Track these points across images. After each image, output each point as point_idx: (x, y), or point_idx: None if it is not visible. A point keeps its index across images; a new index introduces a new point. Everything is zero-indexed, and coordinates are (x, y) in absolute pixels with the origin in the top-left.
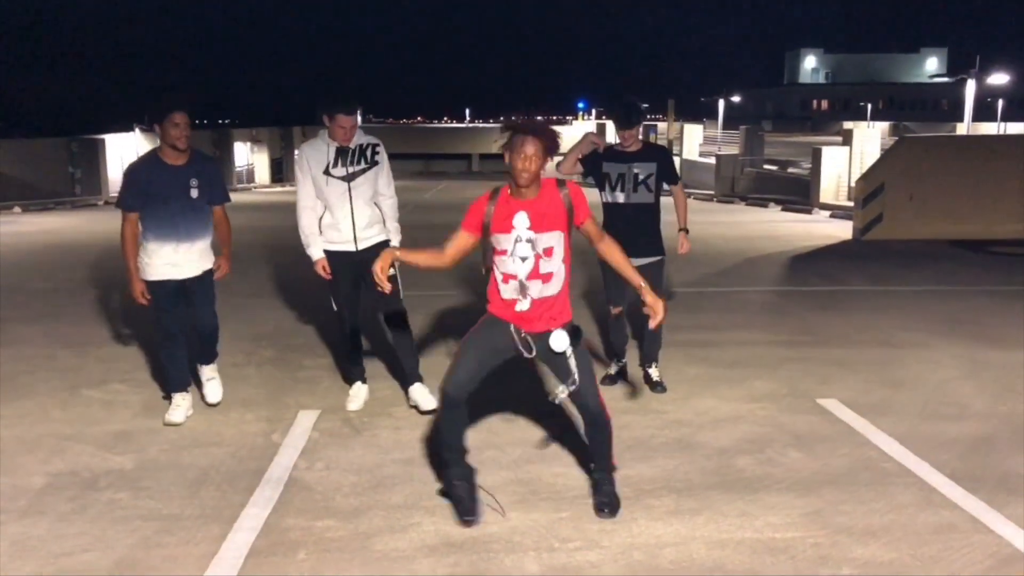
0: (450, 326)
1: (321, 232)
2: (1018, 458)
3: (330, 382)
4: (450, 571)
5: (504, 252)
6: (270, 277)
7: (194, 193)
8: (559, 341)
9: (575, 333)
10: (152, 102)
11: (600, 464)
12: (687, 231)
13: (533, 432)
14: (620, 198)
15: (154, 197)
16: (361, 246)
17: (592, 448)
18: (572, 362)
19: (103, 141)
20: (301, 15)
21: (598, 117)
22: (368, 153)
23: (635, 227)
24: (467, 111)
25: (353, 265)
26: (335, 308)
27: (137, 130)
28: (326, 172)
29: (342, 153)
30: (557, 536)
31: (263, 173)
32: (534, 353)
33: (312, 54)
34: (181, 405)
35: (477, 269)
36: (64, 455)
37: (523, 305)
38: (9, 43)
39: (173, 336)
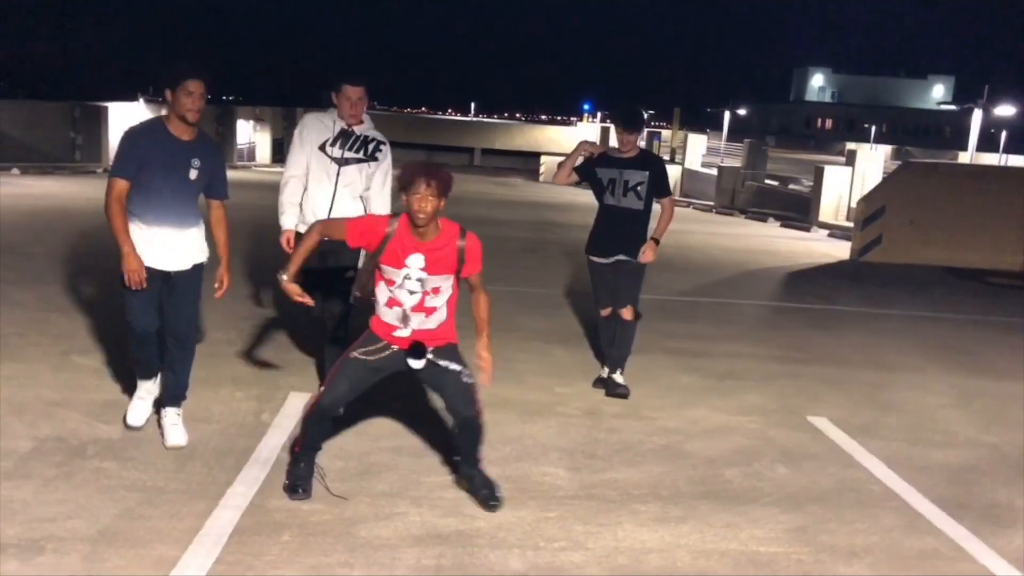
0: None
1: (301, 211)
2: (1004, 488)
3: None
4: (435, 563)
5: (392, 283)
6: (267, 256)
7: (193, 174)
8: (412, 361)
9: (419, 351)
10: (166, 67)
11: (470, 460)
12: (657, 241)
13: (522, 430)
14: (610, 201)
15: (150, 168)
16: None
17: (464, 448)
18: (448, 364)
19: (106, 108)
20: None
21: (602, 120)
22: (370, 147)
23: (619, 230)
24: (472, 105)
25: (321, 251)
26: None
27: (141, 100)
28: (322, 148)
29: (344, 135)
30: (542, 535)
31: (264, 152)
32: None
33: (319, 38)
34: (145, 398)
35: None
36: (52, 420)
37: (403, 332)
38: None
39: (146, 334)
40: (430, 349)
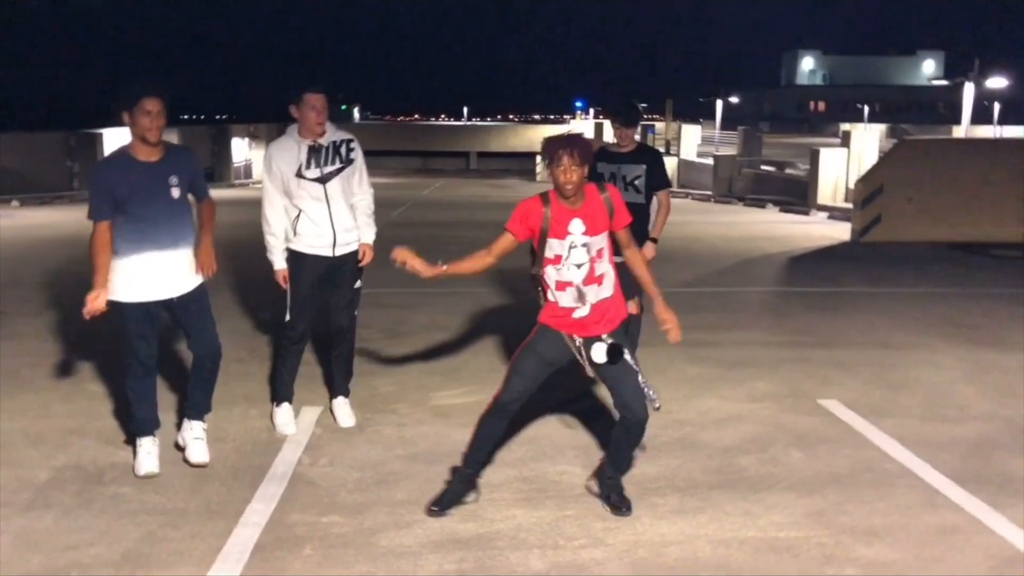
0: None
1: (297, 234)
2: (1020, 460)
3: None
4: (456, 567)
5: (558, 259)
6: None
7: (175, 192)
8: (598, 353)
9: (614, 352)
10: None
11: (622, 465)
12: (655, 241)
13: (537, 430)
14: None
15: (129, 202)
16: (339, 252)
17: (622, 451)
18: (629, 371)
19: (101, 135)
20: (299, 11)
21: (596, 116)
22: (343, 151)
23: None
24: (465, 109)
25: (326, 269)
26: (287, 318)
27: (127, 117)
28: (298, 175)
29: (315, 152)
30: (562, 534)
31: (260, 168)
32: (590, 366)
33: (310, 50)
34: (152, 451)
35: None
36: (68, 449)
37: (583, 311)
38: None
39: (149, 370)
40: (612, 339)
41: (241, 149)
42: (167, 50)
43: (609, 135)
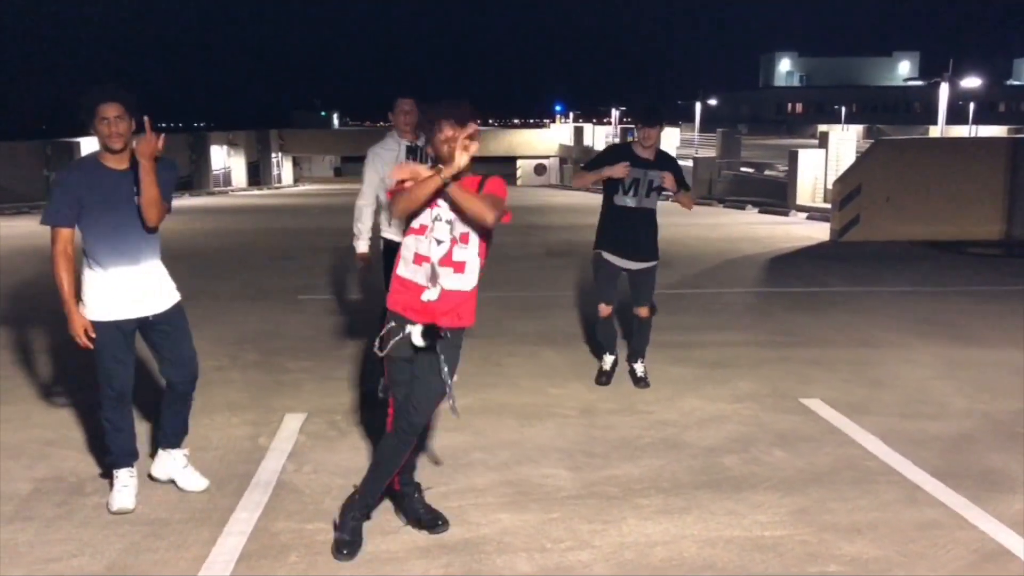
0: None
1: (391, 225)
2: (998, 455)
3: (315, 385)
4: (443, 572)
5: (423, 230)
6: (249, 280)
7: (139, 200)
8: (417, 336)
9: (432, 333)
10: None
11: (409, 477)
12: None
13: (520, 434)
14: (630, 202)
15: (92, 208)
16: None
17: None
18: (443, 368)
19: (78, 144)
20: (277, 18)
21: (575, 120)
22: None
23: (642, 231)
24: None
25: None
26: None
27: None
28: None
29: (412, 152)
30: (548, 536)
31: (240, 176)
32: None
33: (286, 57)
34: (129, 484)
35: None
36: (48, 460)
37: (432, 294)
38: None
39: (123, 396)
40: (445, 331)
41: (220, 157)
42: (145, 57)
43: (588, 139)
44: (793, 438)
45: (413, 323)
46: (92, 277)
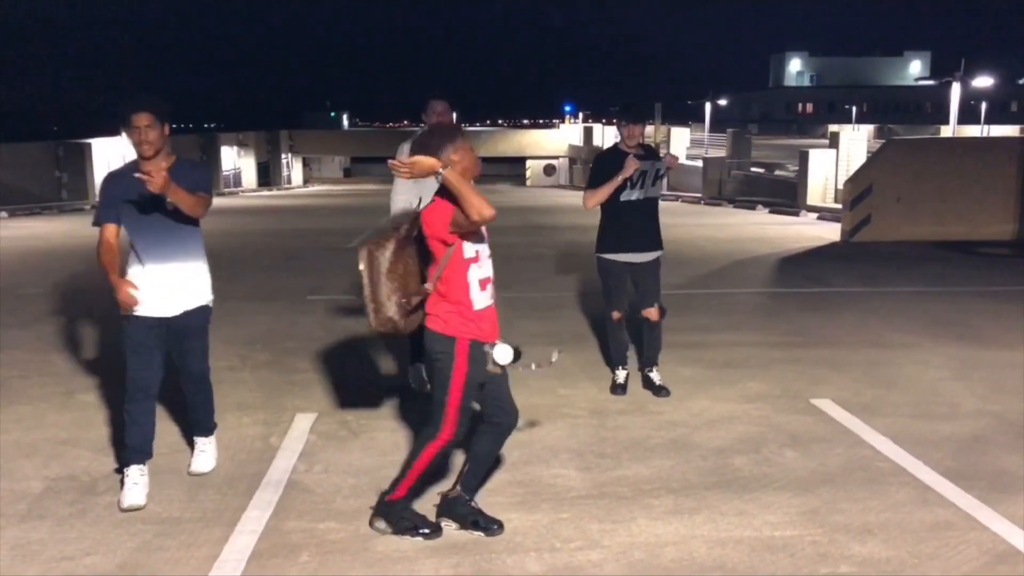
0: None
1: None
2: (1010, 456)
3: (326, 385)
4: (452, 571)
5: (477, 258)
6: (261, 281)
7: (171, 205)
8: (504, 353)
9: (517, 352)
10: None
11: (473, 486)
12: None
13: (530, 434)
14: (637, 195)
15: (130, 208)
16: None
17: (483, 466)
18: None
19: (90, 145)
20: (287, 19)
21: (585, 120)
22: None
23: (648, 222)
24: (454, 114)
25: None
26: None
27: (124, 134)
28: None
29: None
30: (558, 536)
31: (250, 177)
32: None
33: (295, 58)
34: (139, 482)
35: None
36: (62, 459)
37: (492, 305)
38: None
39: (147, 391)
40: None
41: (230, 158)
42: (156, 59)
43: (598, 139)
44: (804, 439)
45: (492, 344)
46: (133, 273)
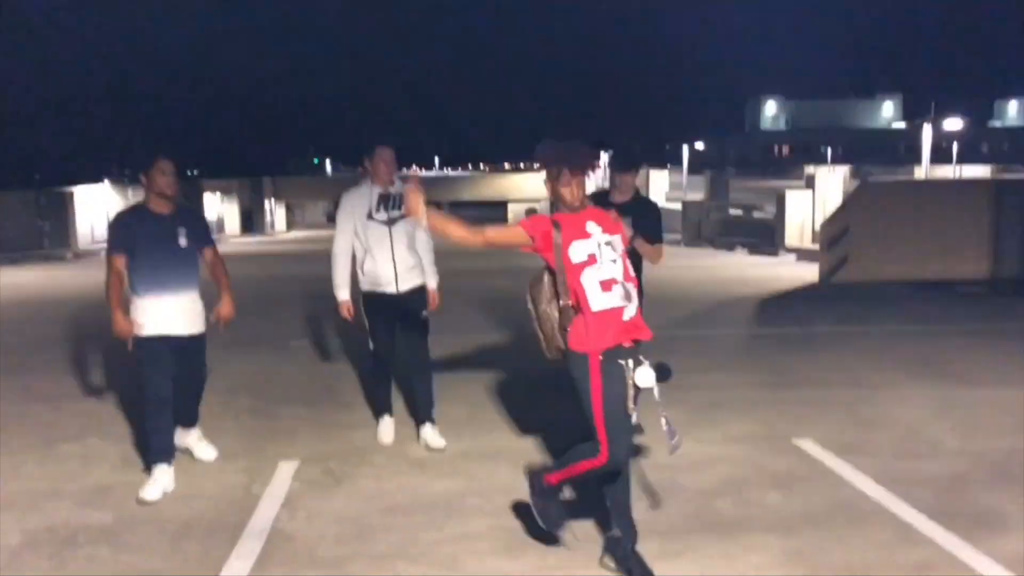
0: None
1: (364, 274)
2: (992, 494)
3: (308, 431)
4: None
5: (592, 260)
6: (242, 327)
7: (183, 241)
8: (646, 377)
9: (663, 371)
10: (136, 153)
11: (628, 519)
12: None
13: (514, 477)
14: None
15: (143, 244)
16: (402, 287)
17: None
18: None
19: (71, 193)
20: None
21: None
22: None
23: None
24: (436, 159)
25: (393, 306)
26: (371, 347)
27: (107, 181)
28: (369, 216)
29: (384, 199)
30: None
31: (233, 223)
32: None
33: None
34: (160, 480)
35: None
36: (41, 511)
37: (631, 311)
38: None
39: (165, 401)
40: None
41: (213, 204)
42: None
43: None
44: (787, 480)
45: (627, 360)
46: (140, 302)
